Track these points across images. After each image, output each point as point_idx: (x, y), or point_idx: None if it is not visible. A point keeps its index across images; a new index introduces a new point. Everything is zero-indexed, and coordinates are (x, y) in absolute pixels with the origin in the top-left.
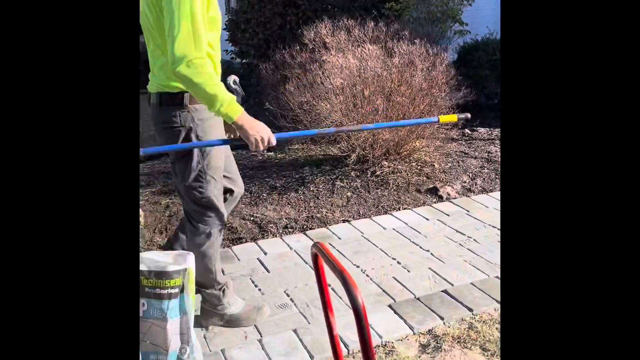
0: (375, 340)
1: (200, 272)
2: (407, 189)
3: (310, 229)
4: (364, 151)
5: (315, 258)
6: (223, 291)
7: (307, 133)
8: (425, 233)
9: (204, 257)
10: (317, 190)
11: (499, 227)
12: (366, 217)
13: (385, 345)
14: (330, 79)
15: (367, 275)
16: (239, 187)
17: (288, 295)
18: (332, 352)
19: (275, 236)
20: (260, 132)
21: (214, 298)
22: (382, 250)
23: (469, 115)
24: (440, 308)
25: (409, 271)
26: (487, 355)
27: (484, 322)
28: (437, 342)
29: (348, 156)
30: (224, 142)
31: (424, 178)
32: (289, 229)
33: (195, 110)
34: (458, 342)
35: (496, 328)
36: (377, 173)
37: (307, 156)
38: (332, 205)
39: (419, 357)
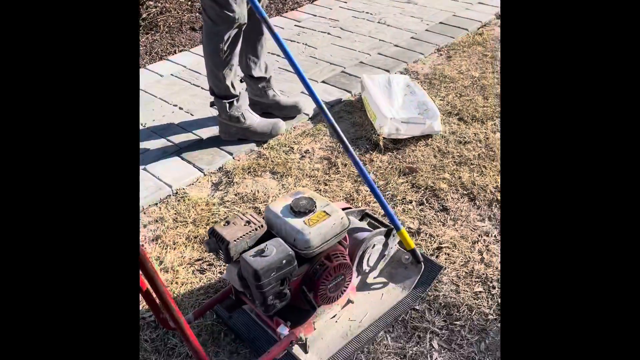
0: (165, 191)
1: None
2: (180, 29)
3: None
4: None
5: None
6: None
7: None
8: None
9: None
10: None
11: (278, 53)
12: (140, 67)
13: (176, 193)
14: None
15: (151, 131)
16: None
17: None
18: None
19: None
20: None
21: (221, 109)
22: (162, 100)
23: None
24: (228, 144)
25: (192, 115)
26: (277, 178)
27: (271, 148)
28: (229, 177)
29: None
30: None
31: (197, 14)
32: None
33: None
34: (248, 172)
35: (283, 151)
36: (144, 16)
37: None
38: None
39: (212, 195)
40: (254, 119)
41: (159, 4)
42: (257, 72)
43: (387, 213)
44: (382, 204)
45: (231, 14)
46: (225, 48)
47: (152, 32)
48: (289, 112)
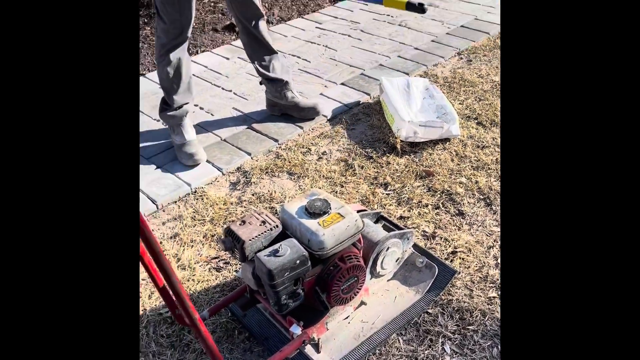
0: (184, 189)
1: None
2: (202, 30)
3: None
4: None
5: None
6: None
7: None
8: (226, 73)
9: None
10: None
11: (298, 55)
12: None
13: (195, 192)
14: None
15: None
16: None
17: None
18: None
19: None
20: None
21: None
22: None
23: (425, 7)
24: (247, 145)
25: (212, 115)
26: (294, 179)
27: (289, 149)
28: (247, 177)
29: None
30: None
31: (219, 15)
32: None
33: None
34: (266, 172)
35: (301, 152)
36: None
37: None
38: None
39: (230, 195)
40: (299, 98)
41: None
42: (272, 74)
43: None
44: None
45: None
46: None
47: None
48: (308, 113)
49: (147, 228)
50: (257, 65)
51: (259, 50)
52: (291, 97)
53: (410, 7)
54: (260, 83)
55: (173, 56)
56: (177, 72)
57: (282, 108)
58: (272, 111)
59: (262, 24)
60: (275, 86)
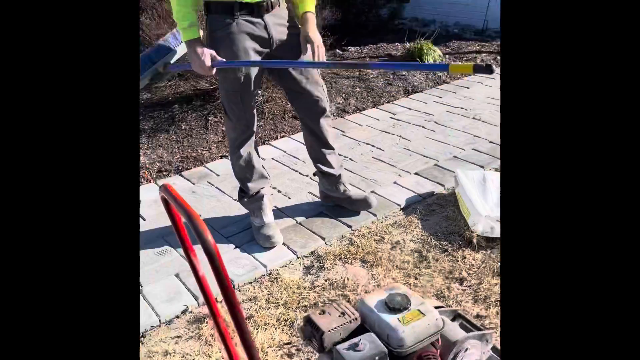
0: (260, 271)
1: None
2: (283, 117)
3: (187, 169)
4: None
5: (164, 202)
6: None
7: (278, 63)
8: (304, 158)
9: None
10: (190, 128)
11: (372, 144)
12: None
13: (270, 273)
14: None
15: None
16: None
17: (166, 241)
18: (201, 293)
19: (150, 182)
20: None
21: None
22: None
23: (493, 67)
24: (321, 229)
25: (289, 198)
26: (367, 267)
27: (362, 236)
28: (320, 262)
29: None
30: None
31: None
32: (164, 173)
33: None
34: (339, 258)
35: (374, 240)
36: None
37: (175, 93)
38: (207, 142)
39: (304, 279)
40: (351, 190)
41: (266, 93)
42: (328, 169)
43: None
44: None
45: None
46: None
47: (258, 118)
48: (360, 206)
49: (240, 314)
50: (314, 159)
51: (318, 145)
52: (343, 190)
53: (477, 69)
54: (314, 174)
55: (243, 150)
56: (248, 163)
57: (335, 200)
58: (325, 202)
59: (323, 121)
60: (330, 180)
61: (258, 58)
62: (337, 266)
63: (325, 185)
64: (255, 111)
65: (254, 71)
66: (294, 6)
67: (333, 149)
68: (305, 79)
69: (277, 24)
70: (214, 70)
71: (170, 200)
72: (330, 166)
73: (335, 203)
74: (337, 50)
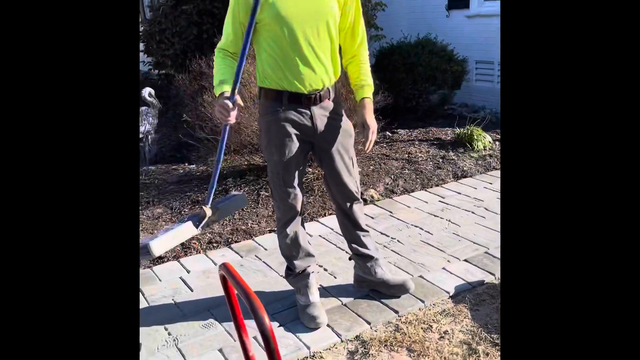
0: (303, 352)
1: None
2: None
3: (236, 242)
4: None
5: (223, 280)
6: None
7: None
8: None
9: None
10: None
11: (421, 226)
12: None
13: (313, 356)
14: (249, 87)
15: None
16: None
17: (212, 314)
18: None
19: (199, 252)
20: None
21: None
22: None
23: None
24: (367, 312)
25: (335, 277)
26: (414, 356)
27: (409, 323)
28: (365, 348)
29: None
30: None
31: None
32: (214, 244)
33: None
34: (385, 345)
35: (421, 328)
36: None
37: (230, 167)
38: (257, 215)
39: None
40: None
41: (317, 171)
42: (363, 250)
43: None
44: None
45: None
46: None
47: (307, 195)
48: (397, 291)
49: None
50: (349, 240)
51: (352, 228)
52: (381, 273)
53: None
54: (350, 259)
55: (290, 229)
56: (294, 242)
57: (371, 284)
58: (359, 287)
59: (356, 206)
60: (366, 261)
61: (301, 145)
62: (382, 353)
63: (363, 268)
64: (299, 191)
65: (295, 154)
66: (354, 92)
67: (367, 231)
68: (347, 172)
69: (322, 115)
70: (233, 115)
71: (230, 280)
72: (366, 247)
73: (370, 288)
74: (387, 132)
